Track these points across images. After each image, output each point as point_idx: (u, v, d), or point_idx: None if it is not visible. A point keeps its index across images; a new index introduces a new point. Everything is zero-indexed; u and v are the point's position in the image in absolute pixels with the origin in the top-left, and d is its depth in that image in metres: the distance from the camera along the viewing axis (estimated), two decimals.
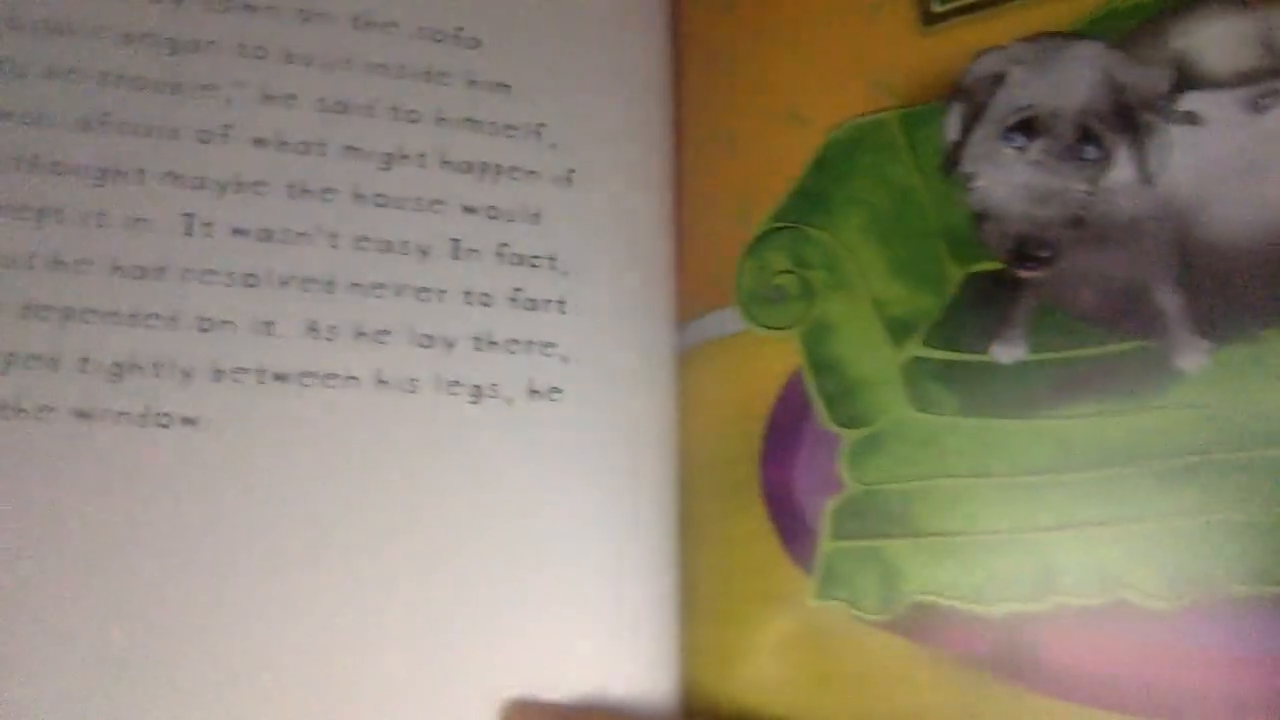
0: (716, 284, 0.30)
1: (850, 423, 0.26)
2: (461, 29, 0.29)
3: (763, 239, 0.28)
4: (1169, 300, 0.24)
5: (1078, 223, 0.25)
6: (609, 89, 0.30)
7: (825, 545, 0.26)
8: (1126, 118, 0.24)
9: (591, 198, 0.29)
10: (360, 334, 0.27)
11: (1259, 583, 0.22)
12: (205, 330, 0.26)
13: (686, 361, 0.30)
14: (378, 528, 0.26)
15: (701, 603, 0.29)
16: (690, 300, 0.30)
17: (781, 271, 0.28)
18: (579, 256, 0.29)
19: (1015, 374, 0.25)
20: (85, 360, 0.25)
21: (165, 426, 0.25)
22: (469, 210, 0.28)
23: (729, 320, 0.29)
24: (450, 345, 0.27)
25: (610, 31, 0.31)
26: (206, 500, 0.25)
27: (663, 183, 0.31)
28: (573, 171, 0.29)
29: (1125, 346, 0.24)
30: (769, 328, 0.28)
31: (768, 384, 0.28)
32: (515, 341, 0.28)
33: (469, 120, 0.28)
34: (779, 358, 0.28)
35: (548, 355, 0.28)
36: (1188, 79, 0.24)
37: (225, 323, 0.26)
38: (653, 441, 0.29)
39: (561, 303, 0.28)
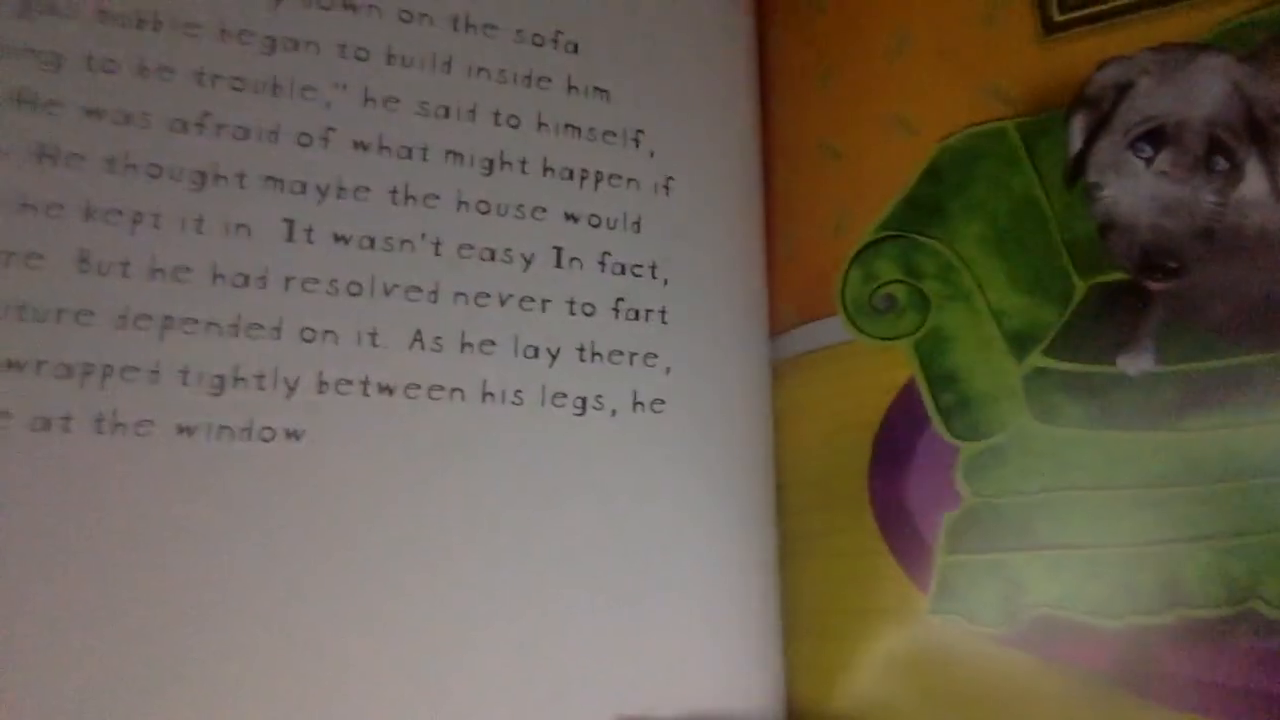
0: (813, 295, 0.29)
1: (969, 434, 0.26)
2: (561, 33, 0.28)
3: (869, 248, 0.28)
4: None
5: (1207, 235, 0.24)
6: (702, 95, 0.30)
7: (941, 559, 0.26)
8: (1256, 130, 0.24)
9: (689, 206, 0.28)
10: (465, 344, 0.26)
11: None
12: (308, 340, 0.25)
13: (781, 373, 0.30)
14: (484, 542, 0.25)
15: (806, 617, 0.28)
16: (783, 311, 0.30)
17: (891, 281, 0.27)
18: (678, 265, 0.28)
19: (1142, 386, 0.25)
20: (185, 371, 0.24)
21: (268, 440, 0.24)
22: (570, 218, 0.27)
23: (830, 331, 0.28)
24: (554, 356, 0.26)
25: (701, 36, 0.30)
26: (311, 514, 0.24)
27: (754, 191, 0.30)
28: (671, 179, 0.28)
29: (1255, 359, 0.24)
30: (877, 338, 0.27)
31: (877, 396, 0.27)
32: (619, 352, 0.27)
33: (569, 126, 0.28)
34: (888, 369, 0.27)
35: (651, 366, 0.27)
36: None
37: (328, 332, 0.25)
38: (752, 454, 0.28)
39: (663, 312, 0.28)
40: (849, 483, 0.27)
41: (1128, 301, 0.25)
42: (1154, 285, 0.25)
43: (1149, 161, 0.25)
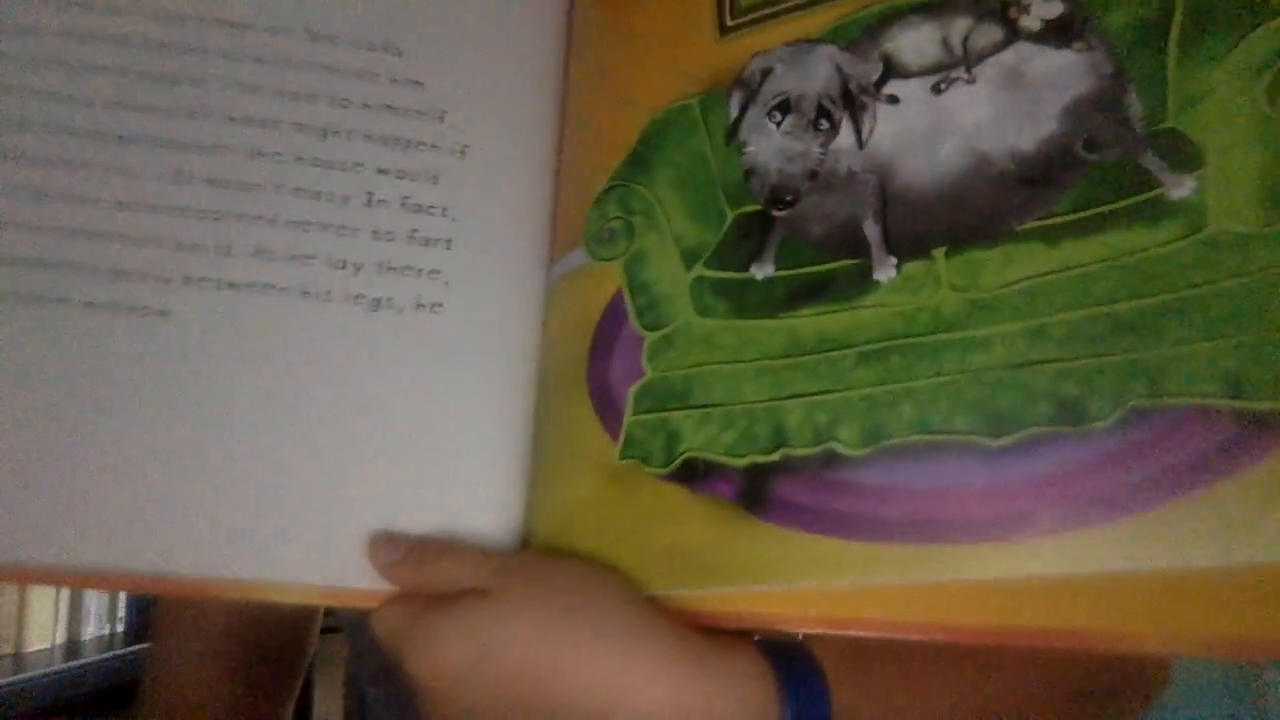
0: (574, 229, 0.38)
1: (652, 326, 0.34)
2: (390, 41, 0.38)
3: (603, 194, 0.36)
4: (872, 230, 0.31)
5: (813, 175, 0.33)
6: (504, 84, 0.39)
7: (628, 419, 0.34)
8: (849, 99, 0.32)
9: (480, 166, 0.38)
10: (293, 257, 0.35)
11: (923, 431, 0.29)
12: (185, 248, 0.35)
13: (553, 290, 0.38)
14: (292, 397, 0.34)
15: (543, 465, 0.36)
16: (559, 242, 0.39)
17: (614, 218, 0.36)
18: (467, 208, 0.37)
19: (765, 286, 0.33)
20: (94, 268, 0.34)
21: (145, 316, 0.34)
22: (381, 172, 0.36)
23: (579, 257, 0.37)
24: (358, 269, 0.36)
25: (509, 34, 0.39)
26: (170, 371, 0.34)
27: (544, 157, 0.39)
28: (467, 147, 0.38)
29: (841, 264, 0.32)
30: (603, 260, 0.36)
31: (597, 303, 0.35)
32: (409, 268, 0.36)
33: (389, 107, 0.37)
34: (606, 283, 0.35)
35: (434, 279, 0.36)
36: (891, 70, 0.32)
37: (196, 245, 0.35)
38: (516, 345, 0.37)
39: (449, 241, 0.37)
40: (575, 366, 0.36)
41: (759, 225, 0.33)
42: (777, 213, 0.33)
43: (779, 125, 0.33)
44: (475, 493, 0.35)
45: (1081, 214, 0.29)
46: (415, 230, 0.36)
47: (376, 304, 0.35)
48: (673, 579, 0.32)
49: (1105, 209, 0.29)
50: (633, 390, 0.34)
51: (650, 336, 0.34)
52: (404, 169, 0.37)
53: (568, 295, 0.37)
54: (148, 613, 1.33)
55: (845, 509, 0.30)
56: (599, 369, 0.35)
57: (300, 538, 0.34)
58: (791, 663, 0.32)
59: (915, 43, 0.32)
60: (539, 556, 0.34)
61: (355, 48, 0.37)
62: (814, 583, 0.30)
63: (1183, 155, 0.28)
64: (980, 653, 0.34)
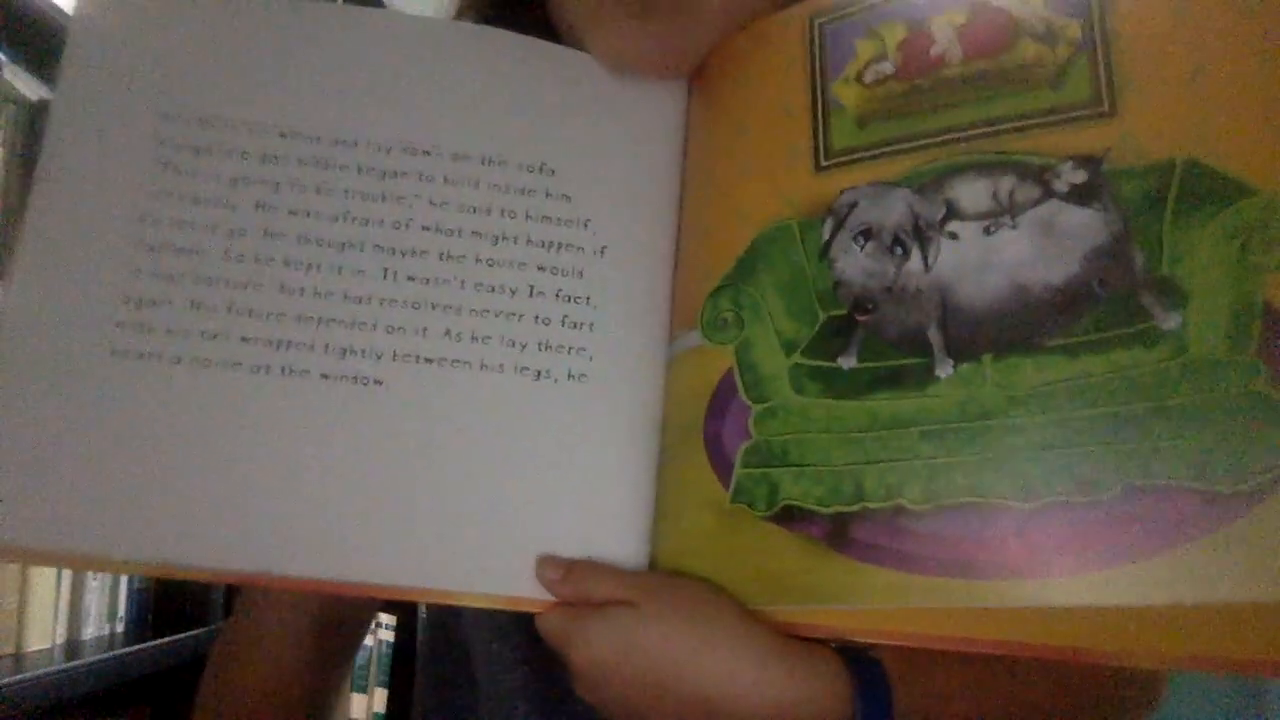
0: (689, 313, 0.47)
1: (758, 399, 0.43)
2: (545, 163, 0.47)
3: (717, 291, 0.46)
4: (935, 336, 0.41)
5: (888, 290, 0.42)
6: (635, 195, 0.48)
7: (738, 471, 0.43)
8: (918, 232, 0.42)
9: (616, 263, 0.47)
10: (474, 338, 0.44)
11: (969, 494, 0.39)
12: (390, 333, 0.44)
13: (675, 361, 0.48)
14: (476, 446, 0.44)
15: (669, 505, 0.46)
16: (679, 324, 0.48)
17: (726, 310, 0.45)
18: (605, 298, 0.46)
19: (850, 375, 0.42)
20: (327, 346, 0.44)
21: (365, 385, 0.44)
22: (540, 269, 0.46)
23: (695, 338, 0.46)
24: (523, 347, 0.45)
25: (638, 153, 0.49)
26: (386, 425, 0.44)
27: (666, 255, 0.48)
28: (605, 247, 0.47)
29: (910, 361, 0.41)
30: (717, 343, 0.45)
31: (713, 377, 0.45)
32: (562, 347, 0.45)
33: (545, 217, 0.46)
34: (720, 362, 0.45)
35: (580, 355, 0.46)
36: (952, 213, 0.41)
37: (400, 329, 0.44)
38: (645, 409, 0.46)
39: (592, 324, 0.46)
40: (694, 425, 0.45)
41: (845, 326, 0.42)
42: (859, 318, 0.42)
43: (862, 248, 0.42)
44: (614, 523, 0.45)
45: (1094, 335, 0.38)
46: (566, 316, 0.46)
47: (538, 375, 0.45)
48: (770, 597, 0.42)
49: (1112, 333, 0.38)
50: (742, 449, 0.43)
51: (756, 408, 0.43)
52: (557, 266, 0.46)
53: (687, 368, 0.46)
54: (147, 613, 1.36)
55: (908, 550, 0.40)
56: (714, 429, 0.44)
57: (486, 558, 0.43)
58: (862, 665, 0.42)
59: (971, 193, 0.41)
60: (666, 576, 0.44)
61: (519, 169, 0.47)
62: (881, 604, 0.40)
63: (1172, 296, 0.37)
64: (1012, 662, 0.43)
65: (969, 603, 0.38)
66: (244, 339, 0.43)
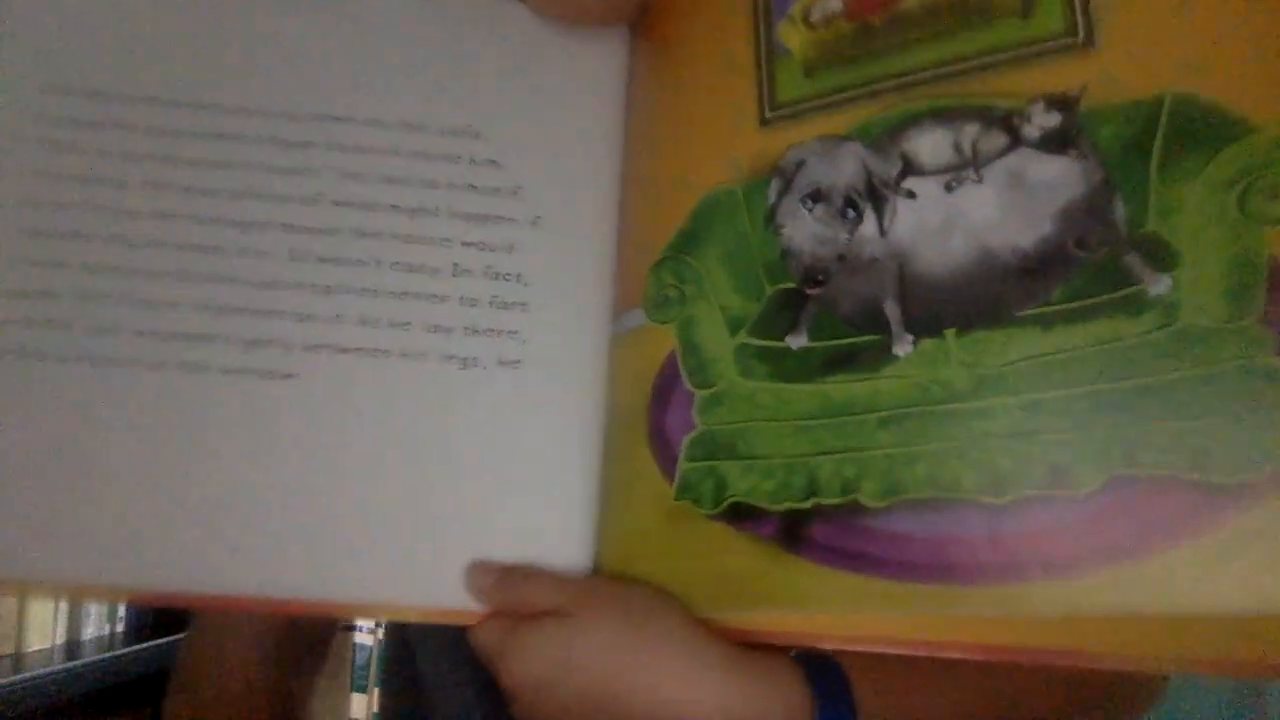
0: (633, 290, 0.42)
1: (702, 385, 0.39)
2: (469, 125, 0.42)
3: (659, 263, 0.41)
4: (892, 310, 0.35)
5: (841, 259, 0.37)
6: (571, 159, 0.43)
7: (682, 465, 0.39)
8: (872, 192, 0.36)
9: (552, 235, 0.42)
10: (393, 324, 0.40)
11: (934, 489, 0.34)
12: (300, 321, 0.40)
13: (615, 343, 0.43)
14: (397, 442, 0.40)
15: (610, 502, 0.41)
16: (621, 302, 0.43)
17: (669, 285, 0.40)
18: (540, 274, 0.42)
19: (800, 355, 0.37)
20: (228, 338, 0.39)
21: (273, 379, 0.39)
22: (466, 245, 0.41)
23: (639, 316, 0.41)
24: (449, 332, 0.40)
25: (574, 115, 0.44)
26: (297, 421, 0.39)
27: (607, 225, 0.43)
28: (539, 218, 0.42)
29: (866, 339, 0.36)
30: (659, 322, 0.40)
31: (656, 360, 0.40)
32: (492, 330, 0.41)
33: (470, 185, 0.42)
34: (663, 343, 0.40)
35: (512, 339, 0.41)
36: (909, 168, 0.36)
37: (311, 317, 0.40)
38: (586, 395, 0.41)
39: (524, 304, 0.41)
40: (637, 415, 0.40)
41: (794, 300, 0.37)
42: (810, 290, 0.37)
43: (811, 211, 0.37)
44: (553, 525, 0.40)
45: (1071, 304, 0.33)
46: (496, 296, 0.41)
47: (465, 363, 0.40)
48: (721, 603, 0.37)
49: (1092, 301, 0.33)
50: (686, 440, 0.39)
51: (700, 394, 0.39)
52: (485, 241, 0.41)
53: (630, 350, 0.42)
54: (147, 613, 1.34)
55: (867, 551, 0.35)
56: (657, 419, 0.40)
57: (414, 566, 0.39)
58: (821, 671, 0.37)
59: (930, 145, 0.36)
60: (609, 582, 0.40)
61: (440, 134, 0.42)
62: (840, 610, 0.35)
63: (1161, 256, 0.32)
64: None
65: (936, 610, 0.33)
66: (138, 333, 0.39)
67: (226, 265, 0.40)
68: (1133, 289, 0.32)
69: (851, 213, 0.37)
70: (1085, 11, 0.34)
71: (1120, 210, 0.33)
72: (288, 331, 0.40)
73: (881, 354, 0.35)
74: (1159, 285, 0.32)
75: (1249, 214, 0.31)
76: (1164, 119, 0.32)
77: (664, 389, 0.40)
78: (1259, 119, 0.31)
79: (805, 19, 0.38)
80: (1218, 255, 0.31)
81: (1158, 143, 0.32)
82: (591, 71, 0.44)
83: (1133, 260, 0.32)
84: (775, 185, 0.38)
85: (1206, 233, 0.32)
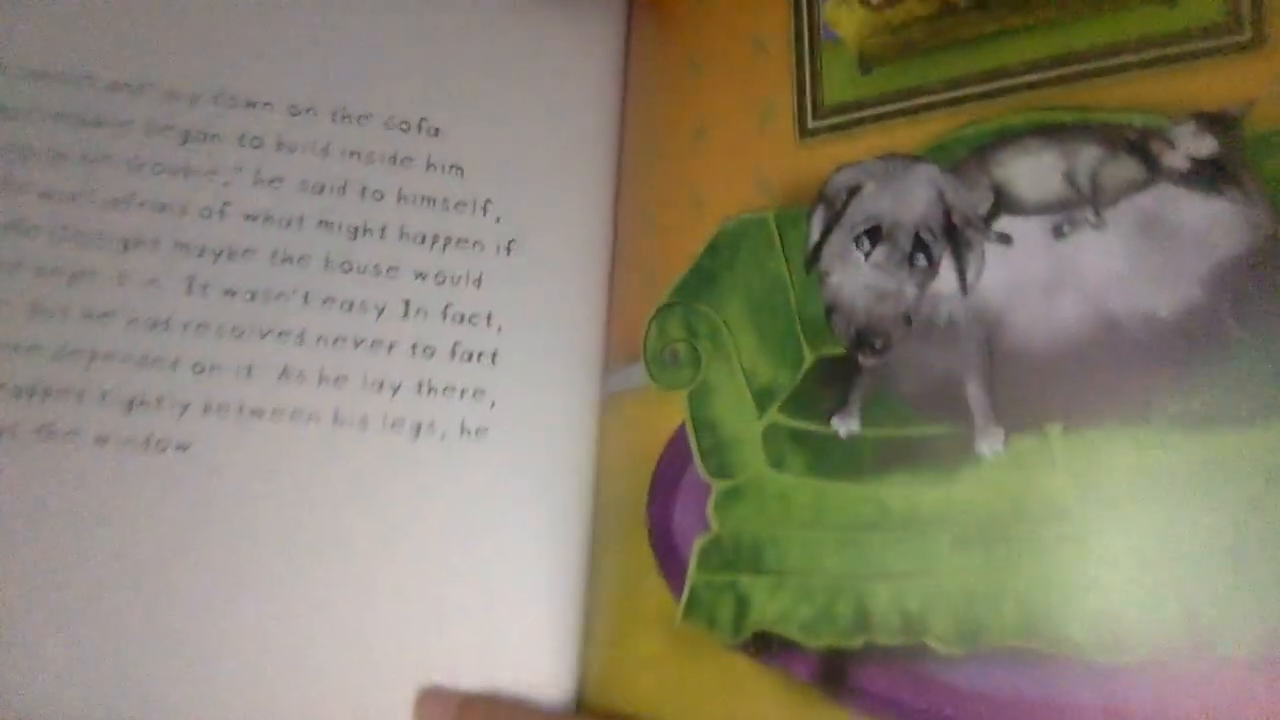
0: (632, 342, 0.33)
1: (720, 474, 0.30)
2: (425, 119, 0.33)
3: (665, 308, 0.32)
4: (975, 393, 0.27)
5: (907, 320, 0.28)
6: (555, 171, 0.34)
7: (693, 576, 0.30)
8: (952, 233, 0.27)
9: (528, 264, 0.33)
10: (323, 379, 0.31)
11: (1029, 637, 0.25)
12: (198, 373, 0.31)
13: (608, 406, 0.34)
14: (328, 537, 0.30)
15: (599, 617, 0.32)
16: (615, 353, 0.34)
17: (677, 340, 0.31)
18: (514, 315, 0.32)
19: (849, 444, 0.28)
20: (103, 395, 0.30)
21: (163, 450, 0.30)
22: (419, 276, 0.32)
23: (638, 375, 0.32)
24: (395, 390, 0.31)
25: (557, 110, 0.34)
26: (190, 509, 0.30)
27: (599, 252, 0.34)
28: (513, 241, 0.33)
29: (938, 429, 0.27)
30: (664, 386, 0.31)
31: (660, 434, 0.31)
32: (451, 388, 0.32)
33: (425, 198, 0.32)
34: (670, 412, 0.31)
35: (479, 400, 0.32)
36: (1004, 203, 0.27)
37: (214, 367, 0.31)
38: (570, 475, 0.33)
39: (494, 354, 0.32)
40: (635, 507, 0.31)
41: (843, 372, 0.28)
42: (864, 360, 0.28)
43: (868, 255, 0.28)
44: (525, 644, 0.31)
45: (1229, 401, 0.24)
46: (458, 343, 0.32)
47: (416, 430, 0.31)
48: None
49: (1258, 399, 0.24)
50: (697, 544, 0.30)
51: (717, 485, 0.30)
52: (444, 271, 0.32)
53: (626, 418, 0.33)
54: None
55: (936, 709, 0.26)
56: (660, 513, 0.31)
57: (337, 693, 0.30)
58: None
59: (1034, 173, 0.26)
60: None
61: (387, 128, 0.32)
62: None
63: None
64: None
65: None
66: None
67: (98, 297, 0.30)
68: None
69: (922, 259, 0.27)
70: None
71: None
72: (182, 388, 0.30)
73: (959, 451, 0.26)
74: None
75: None
76: None
77: (670, 474, 0.31)
78: None
79: None
80: None
81: None
82: (581, 54, 0.35)
83: None
84: (820, 217, 0.29)
85: None
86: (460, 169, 0.33)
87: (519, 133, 0.34)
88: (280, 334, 0.31)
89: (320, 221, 0.32)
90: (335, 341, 0.31)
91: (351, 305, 0.31)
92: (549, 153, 0.34)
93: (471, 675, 0.31)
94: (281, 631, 0.30)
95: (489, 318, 0.32)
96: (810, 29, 0.30)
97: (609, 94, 0.35)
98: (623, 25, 0.36)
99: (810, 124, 0.29)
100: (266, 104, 0.32)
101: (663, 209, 0.33)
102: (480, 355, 0.32)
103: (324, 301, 0.31)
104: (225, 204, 0.31)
